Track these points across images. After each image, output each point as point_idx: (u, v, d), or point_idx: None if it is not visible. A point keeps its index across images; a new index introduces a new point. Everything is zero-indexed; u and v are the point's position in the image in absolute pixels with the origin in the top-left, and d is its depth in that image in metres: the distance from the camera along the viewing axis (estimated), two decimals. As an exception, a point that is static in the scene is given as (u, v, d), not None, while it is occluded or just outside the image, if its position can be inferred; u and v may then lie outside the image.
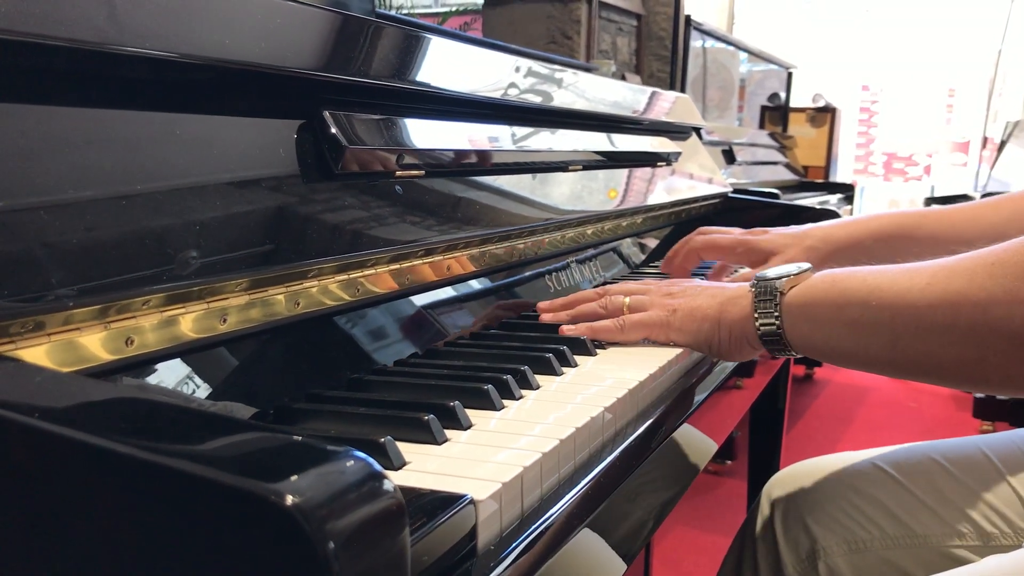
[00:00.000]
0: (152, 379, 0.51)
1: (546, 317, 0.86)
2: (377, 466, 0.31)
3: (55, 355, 0.46)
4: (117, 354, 0.49)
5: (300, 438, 0.31)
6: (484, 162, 0.87)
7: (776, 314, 0.72)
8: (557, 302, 0.88)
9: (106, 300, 0.46)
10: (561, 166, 1.05)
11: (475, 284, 0.85)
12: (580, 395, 0.65)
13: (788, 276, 0.73)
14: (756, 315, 0.74)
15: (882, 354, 0.67)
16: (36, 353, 0.45)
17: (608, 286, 0.87)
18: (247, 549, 0.29)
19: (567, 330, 0.80)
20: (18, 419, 0.33)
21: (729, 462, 2.60)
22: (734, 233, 1.09)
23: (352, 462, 0.30)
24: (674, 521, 2.26)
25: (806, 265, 0.76)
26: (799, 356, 0.75)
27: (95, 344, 0.48)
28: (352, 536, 0.28)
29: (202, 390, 0.54)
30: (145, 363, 0.51)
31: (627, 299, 0.82)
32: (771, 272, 0.75)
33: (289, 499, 0.27)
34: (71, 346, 0.46)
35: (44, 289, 0.43)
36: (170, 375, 0.53)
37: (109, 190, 0.49)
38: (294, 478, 0.28)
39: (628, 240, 1.26)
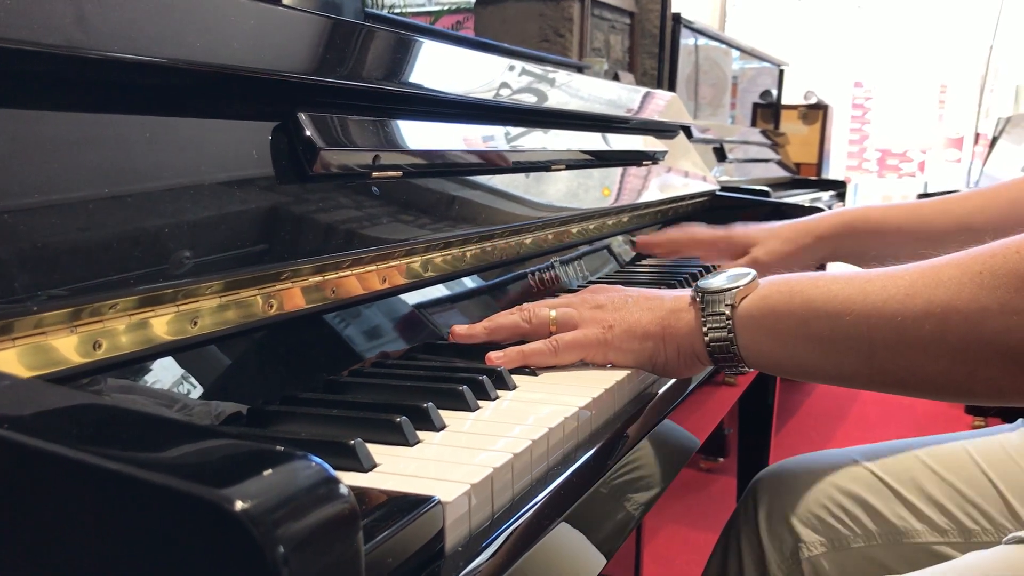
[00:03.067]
0: (123, 382, 0.51)
1: (460, 332, 0.76)
2: (331, 470, 0.31)
3: (25, 358, 0.46)
4: (88, 357, 0.49)
5: (254, 443, 0.31)
6: (464, 162, 0.87)
7: (728, 326, 0.68)
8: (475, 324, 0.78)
9: (73, 304, 0.46)
10: (544, 166, 1.05)
11: (455, 285, 0.85)
12: (559, 394, 0.65)
13: (738, 287, 0.68)
14: (705, 329, 0.68)
15: (858, 370, 0.63)
16: (7, 357, 0.45)
17: (526, 303, 0.78)
18: (199, 554, 0.29)
19: (495, 358, 0.70)
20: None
21: (722, 459, 2.60)
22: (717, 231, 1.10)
23: (305, 466, 0.31)
24: (666, 518, 2.27)
25: (752, 271, 0.71)
26: (748, 371, 0.70)
27: (66, 347, 0.48)
28: (302, 541, 0.28)
29: (174, 393, 0.54)
30: (117, 366, 0.51)
31: (552, 312, 0.75)
32: (715, 282, 0.70)
33: (238, 504, 0.27)
34: (40, 349, 0.46)
35: (9, 293, 0.43)
36: (142, 377, 0.53)
37: (78, 194, 0.49)
38: (244, 483, 0.28)
39: (614, 238, 1.26)
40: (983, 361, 0.57)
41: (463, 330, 0.76)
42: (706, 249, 1.09)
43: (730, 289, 0.68)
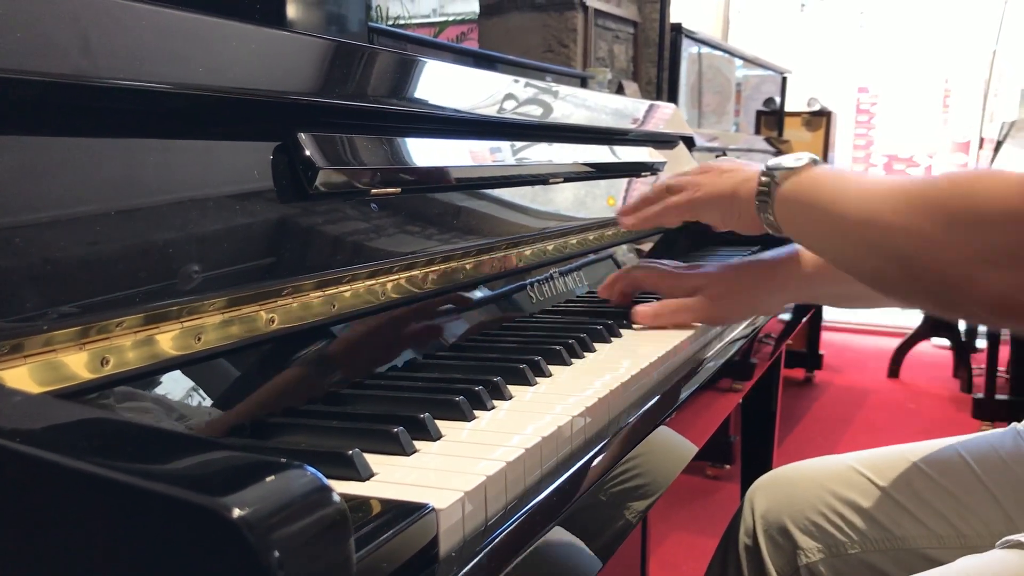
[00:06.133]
0: (130, 396, 0.53)
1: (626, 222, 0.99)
2: (324, 479, 0.33)
3: (36, 375, 0.48)
4: (96, 373, 0.51)
5: (250, 454, 0.33)
6: (462, 178, 0.89)
7: (770, 203, 0.84)
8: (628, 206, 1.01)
9: (82, 323, 0.48)
10: (542, 179, 1.07)
11: (453, 297, 0.86)
12: (554, 403, 0.66)
13: (786, 168, 0.83)
14: (758, 202, 0.85)
15: (838, 255, 0.80)
16: (19, 373, 0.47)
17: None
18: (199, 559, 0.31)
19: (622, 217, 0.99)
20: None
21: (728, 466, 2.61)
22: (668, 266, 1.04)
23: (299, 475, 0.32)
24: (672, 524, 2.28)
25: (808, 156, 0.83)
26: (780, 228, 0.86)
27: (75, 363, 0.50)
28: (296, 546, 0.30)
29: (179, 406, 0.56)
30: (125, 380, 0.53)
31: (671, 182, 0.96)
32: (781, 160, 0.84)
33: (235, 512, 0.29)
34: (50, 366, 0.48)
35: (19, 313, 0.45)
36: (148, 391, 0.55)
37: (84, 217, 0.51)
38: (241, 492, 0.30)
39: (616, 248, 1.28)
40: (897, 263, 0.71)
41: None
42: (657, 289, 1.01)
43: (780, 169, 0.83)
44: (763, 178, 0.84)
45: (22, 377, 0.47)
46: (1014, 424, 1.00)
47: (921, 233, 0.67)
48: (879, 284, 0.76)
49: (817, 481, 1.01)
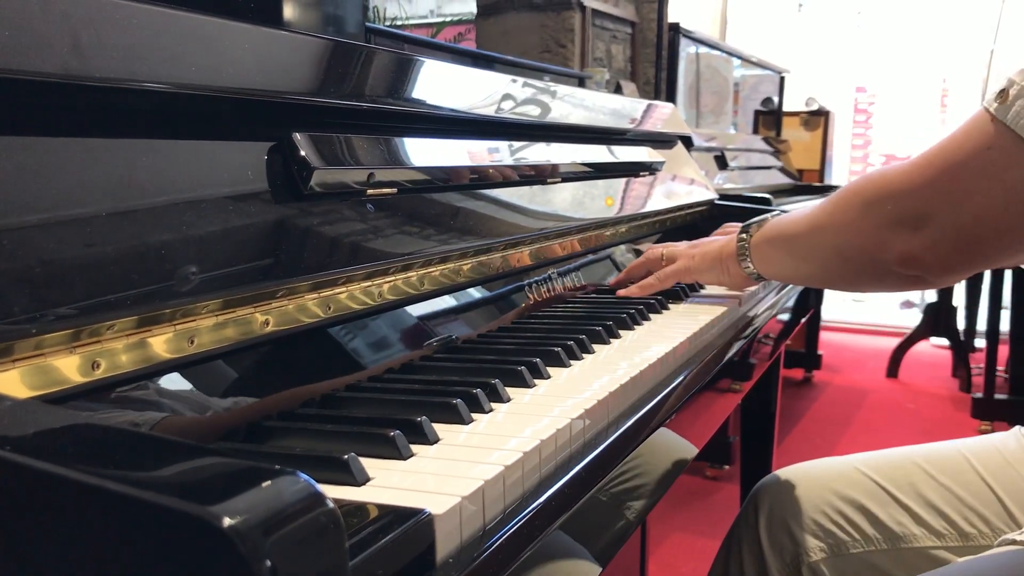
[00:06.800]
0: (123, 400, 0.53)
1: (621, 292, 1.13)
2: (316, 486, 0.32)
3: (27, 378, 0.47)
4: (88, 376, 0.50)
5: (241, 460, 0.32)
6: (459, 178, 0.89)
7: (747, 253, 1.01)
8: (621, 276, 1.19)
9: (72, 325, 0.48)
10: (540, 179, 1.06)
11: (450, 299, 0.86)
12: (552, 405, 0.66)
13: (754, 223, 1.01)
14: (739, 255, 1.02)
15: (800, 270, 0.97)
16: (9, 377, 0.46)
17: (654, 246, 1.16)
18: (190, 569, 0.30)
19: (622, 292, 1.10)
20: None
21: (727, 467, 2.60)
22: None
23: (291, 482, 0.32)
24: (672, 526, 2.27)
25: (770, 213, 1.03)
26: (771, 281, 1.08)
27: (66, 367, 0.49)
28: (288, 554, 0.29)
29: (172, 410, 0.55)
30: (117, 384, 0.52)
31: (664, 251, 1.12)
32: (750, 220, 1.02)
33: (226, 520, 0.29)
34: (41, 370, 0.48)
35: (9, 316, 0.44)
36: (141, 395, 0.54)
37: (75, 219, 0.50)
38: (232, 500, 0.29)
39: (614, 248, 1.27)
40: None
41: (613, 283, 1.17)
42: None
43: (751, 226, 1.02)
44: (741, 235, 1.02)
45: (12, 381, 0.46)
46: (1018, 426, 0.99)
47: (847, 222, 0.81)
48: (842, 284, 0.93)
49: (820, 482, 1.01)
